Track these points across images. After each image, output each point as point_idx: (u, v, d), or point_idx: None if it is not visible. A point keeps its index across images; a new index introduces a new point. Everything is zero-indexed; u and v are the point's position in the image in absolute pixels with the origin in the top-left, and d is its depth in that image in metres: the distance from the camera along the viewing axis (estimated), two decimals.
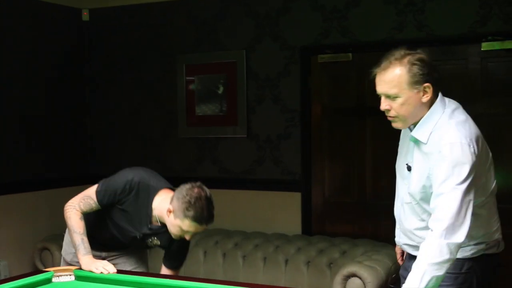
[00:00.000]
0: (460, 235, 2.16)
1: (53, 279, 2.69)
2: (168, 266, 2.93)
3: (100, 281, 2.66)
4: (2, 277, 4.36)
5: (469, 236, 2.25)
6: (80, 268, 2.76)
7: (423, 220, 2.36)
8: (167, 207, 2.68)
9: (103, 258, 2.96)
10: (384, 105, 2.31)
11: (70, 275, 2.73)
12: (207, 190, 2.71)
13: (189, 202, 2.60)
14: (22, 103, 4.76)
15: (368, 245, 4.10)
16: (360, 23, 4.32)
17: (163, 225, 2.77)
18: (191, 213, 2.60)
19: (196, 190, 2.65)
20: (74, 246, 2.82)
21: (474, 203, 2.22)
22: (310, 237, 4.39)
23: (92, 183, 2.91)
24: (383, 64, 2.28)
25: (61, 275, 2.72)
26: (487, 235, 2.39)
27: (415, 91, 2.25)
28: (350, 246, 4.13)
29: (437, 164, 2.22)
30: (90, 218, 2.90)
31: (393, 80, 2.25)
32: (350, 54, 4.39)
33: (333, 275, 3.85)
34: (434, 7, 4.11)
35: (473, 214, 2.22)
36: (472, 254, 2.36)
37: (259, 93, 4.68)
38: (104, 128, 5.26)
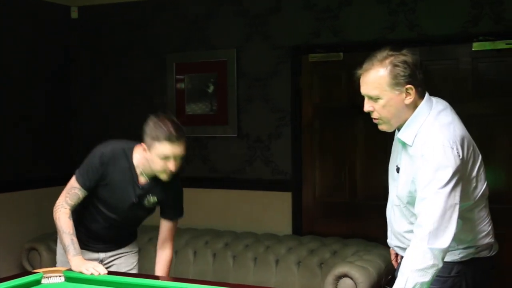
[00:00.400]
0: (445, 241, 2.12)
1: (43, 281, 2.65)
2: (169, 218, 2.94)
3: (90, 283, 2.62)
4: None
5: (458, 240, 2.24)
6: (70, 269, 2.73)
7: (411, 223, 2.33)
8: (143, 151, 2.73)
9: (101, 261, 2.93)
10: (367, 106, 2.30)
11: (59, 276, 2.69)
12: (172, 116, 2.76)
13: (155, 128, 2.67)
14: (7, 102, 4.69)
15: (359, 245, 4.09)
16: (352, 22, 4.31)
17: (152, 180, 2.79)
18: (159, 135, 2.64)
19: (159, 118, 2.71)
20: (63, 247, 2.79)
21: (461, 207, 2.18)
22: (300, 237, 4.38)
23: None
24: (366, 65, 2.27)
25: (50, 276, 2.68)
26: (477, 239, 2.35)
27: (397, 92, 2.22)
28: (341, 246, 4.12)
29: (420, 168, 2.19)
30: (83, 214, 2.88)
31: (374, 81, 2.24)
32: (342, 54, 4.38)
33: (324, 275, 3.84)
34: (425, 7, 4.11)
35: (461, 218, 2.19)
36: (461, 257, 2.33)
37: (249, 93, 4.66)
38: (92, 127, 5.21)
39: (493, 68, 4.05)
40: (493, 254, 2.41)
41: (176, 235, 4.52)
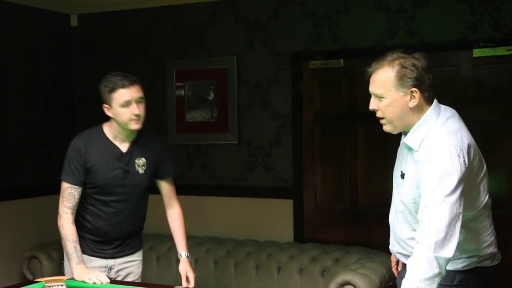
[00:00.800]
0: (449, 250, 2.12)
1: None
2: (165, 176, 3.08)
3: None
4: None
5: (461, 249, 2.23)
6: (72, 278, 2.72)
7: (414, 230, 2.32)
8: (110, 120, 2.89)
9: (110, 269, 2.92)
10: (372, 104, 2.34)
11: (61, 285, 2.69)
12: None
13: (108, 82, 2.84)
14: (9, 107, 4.69)
15: (361, 252, 4.08)
16: (351, 29, 4.32)
17: (133, 143, 2.91)
18: (113, 86, 2.82)
19: (107, 76, 2.89)
20: (66, 254, 2.80)
21: (464, 216, 2.17)
22: (302, 244, 4.36)
23: None
24: (376, 65, 2.31)
25: (52, 286, 2.69)
26: (480, 249, 2.34)
27: (401, 94, 2.24)
28: (343, 253, 4.11)
29: (425, 173, 2.18)
30: (85, 217, 2.90)
31: (380, 80, 2.28)
32: (342, 61, 4.38)
33: (326, 283, 3.83)
34: (425, 14, 4.12)
35: (464, 228, 2.19)
36: (464, 266, 2.33)
37: (250, 100, 4.65)
38: None
39: (494, 74, 4.05)
40: (495, 263, 2.41)
41: None
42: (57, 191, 2.94)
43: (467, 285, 2.33)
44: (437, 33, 4.09)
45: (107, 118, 2.93)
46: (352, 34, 4.32)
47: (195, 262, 4.43)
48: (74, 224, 2.83)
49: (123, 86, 2.82)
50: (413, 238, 2.27)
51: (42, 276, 4.35)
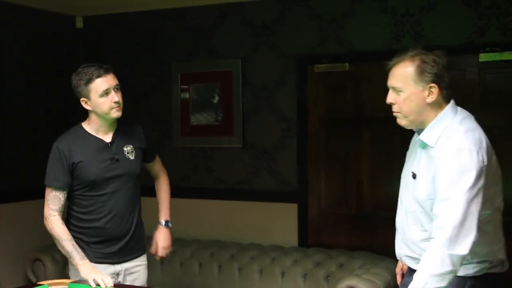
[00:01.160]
0: (464, 247, 2.12)
1: None
2: (152, 157, 3.18)
3: None
4: None
5: (473, 253, 2.21)
6: (75, 282, 2.70)
7: (425, 230, 2.32)
8: (89, 114, 2.89)
9: (117, 274, 2.91)
10: (389, 98, 2.36)
11: None
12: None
13: (82, 76, 2.81)
14: (14, 111, 4.68)
15: (366, 257, 4.05)
16: (357, 33, 4.29)
17: (115, 133, 2.92)
18: (89, 77, 2.80)
19: (78, 70, 2.87)
20: (66, 255, 2.80)
21: (480, 216, 2.17)
22: (306, 249, 4.34)
23: None
24: (396, 59, 2.34)
25: None
26: (491, 253, 2.33)
27: (420, 88, 2.26)
28: (347, 258, 4.09)
29: (443, 169, 2.19)
30: (85, 224, 2.88)
31: (400, 74, 2.30)
32: (347, 64, 4.36)
33: None
34: (431, 18, 4.09)
35: (478, 230, 2.17)
36: (475, 272, 2.31)
37: (255, 103, 4.64)
38: None
39: (501, 79, 4.02)
40: (504, 270, 2.39)
41: (182, 247, 4.53)
42: None
43: None
44: (444, 37, 4.06)
45: (86, 117, 2.93)
46: (358, 38, 4.30)
47: (199, 266, 4.42)
48: (64, 224, 2.83)
49: (99, 76, 2.81)
50: (424, 240, 2.30)
51: (45, 279, 4.34)
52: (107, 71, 2.84)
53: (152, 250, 3.15)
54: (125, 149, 2.92)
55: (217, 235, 4.70)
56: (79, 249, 2.78)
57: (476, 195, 2.14)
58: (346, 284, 3.61)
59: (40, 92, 4.90)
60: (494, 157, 2.31)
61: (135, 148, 2.97)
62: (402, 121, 2.36)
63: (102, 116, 2.85)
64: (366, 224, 4.35)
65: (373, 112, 4.33)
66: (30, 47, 4.81)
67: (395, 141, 4.18)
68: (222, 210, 4.74)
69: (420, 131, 2.36)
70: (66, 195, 2.86)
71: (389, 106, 2.41)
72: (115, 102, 2.83)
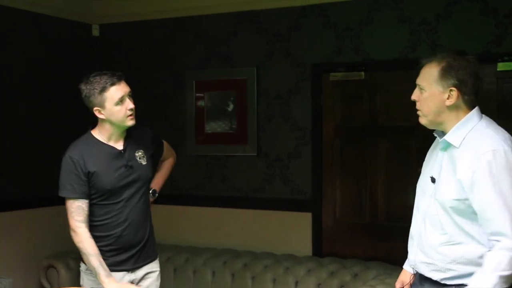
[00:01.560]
0: None
1: None
2: (162, 152, 3.22)
3: None
4: None
5: None
6: None
7: (445, 233, 2.32)
8: (100, 123, 2.88)
9: (132, 282, 2.90)
10: (413, 95, 2.41)
11: None
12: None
13: (95, 85, 2.79)
14: (30, 118, 4.71)
15: (380, 268, 4.01)
16: (373, 41, 4.27)
17: (126, 139, 2.90)
18: (104, 85, 2.77)
19: (88, 79, 2.84)
20: (92, 269, 2.75)
21: None
22: (320, 258, 4.30)
23: None
24: (428, 59, 2.38)
25: None
26: None
27: (440, 89, 2.30)
28: (361, 268, 4.04)
29: (481, 172, 2.21)
30: (100, 233, 2.85)
31: (426, 73, 2.36)
32: (363, 73, 4.33)
33: None
34: (448, 27, 4.06)
35: None
36: None
37: (269, 111, 4.62)
38: None
39: None
40: None
41: (195, 255, 4.52)
42: None
43: None
44: (460, 45, 4.00)
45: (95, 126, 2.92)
46: (374, 46, 4.27)
47: (212, 275, 4.40)
48: (91, 237, 2.78)
49: (113, 83, 2.79)
50: (443, 244, 2.31)
51: (59, 286, 4.36)
52: (120, 78, 2.83)
53: None
54: (136, 154, 2.92)
55: (230, 244, 4.68)
56: (105, 266, 2.75)
57: None
58: None
59: (57, 100, 4.92)
60: None
61: (145, 152, 2.97)
62: (422, 120, 2.41)
63: (116, 124, 2.84)
64: (381, 234, 4.31)
65: (388, 121, 4.29)
66: (47, 55, 4.84)
67: (411, 151, 4.14)
68: (235, 218, 4.72)
69: (440, 134, 2.41)
70: (88, 204, 2.81)
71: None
72: (130, 109, 2.82)
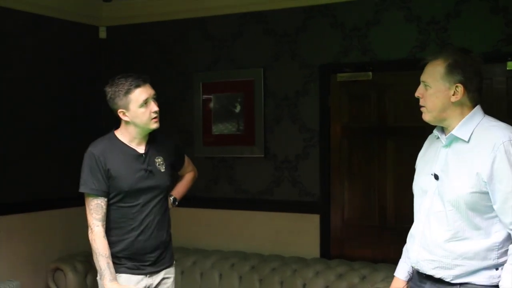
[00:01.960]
0: None
1: None
2: (182, 166, 3.21)
3: None
4: None
5: None
6: None
7: (452, 229, 2.30)
8: (124, 125, 2.85)
9: (149, 287, 2.87)
10: (418, 91, 2.41)
11: None
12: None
13: (120, 87, 2.79)
14: (37, 120, 4.72)
15: (388, 270, 3.95)
16: (381, 41, 4.23)
17: (148, 144, 2.89)
18: (128, 87, 2.76)
19: (113, 81, 2.85)
20: (99, 270, 2.74)
21: None
22: (328, 261, 4.27)
23: None
24: (433, 56, 2.39)
25: None
26: None
27: (447, 85, 2.30)
28: (370, 271, 4.00)
29: (500, 162, 2.21)
30: (117, 237, 2.83)
31: (431, 69, 2.36)
32: (370, 73, 4.30)
33: None
34: (457, 26, 4.01)
35: None
36: None
37: (277, 112, 4.59)
38: None
39: None
40: None
41: (202, 257, 4.50)
42: (83, 202, 2.89)
43: None
44: (470, 45, 3.95)
45: (112, 127, 2.91)
46: (382, 46, 4.23)
47: (219, 277, 4.37)
48: (106, 238, 2.76)
49: (138, 86, 2.79)
50: (447, 240, 2.29)
51: None
52: (145, 81, 2.83)
53: None
54: (156, 160, 2.90)
55: (238, 246, 4.65)
56: (112, 269, 2.73)
57: None
58: None
59: (64, 102, 4.92)
60: None
61: (164, 160, 2.95)
62: (426, 116, 2.40)
63: (140, 127, 2.83)
64: (390, 236, 4.26)
65: (396, 122, 4.26)
66: (54, 57, 4.84)
67: (419, 151, 4.08)
68: (243, 220, 4.69)
69: (440, 131, 2.41)
70: (107, 203, 2.80)
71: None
72: (154, 112, 2.81)
